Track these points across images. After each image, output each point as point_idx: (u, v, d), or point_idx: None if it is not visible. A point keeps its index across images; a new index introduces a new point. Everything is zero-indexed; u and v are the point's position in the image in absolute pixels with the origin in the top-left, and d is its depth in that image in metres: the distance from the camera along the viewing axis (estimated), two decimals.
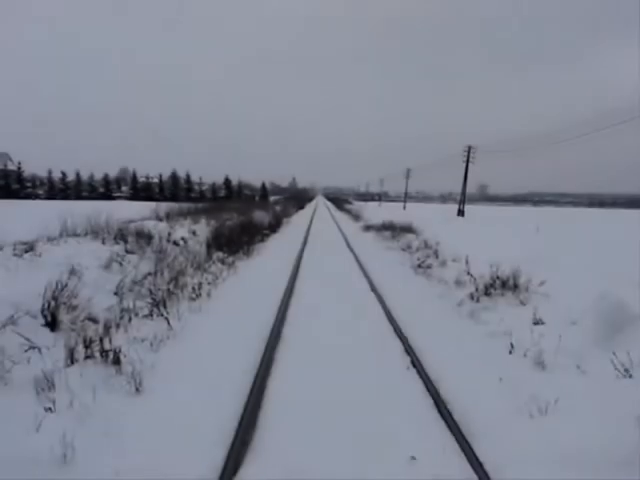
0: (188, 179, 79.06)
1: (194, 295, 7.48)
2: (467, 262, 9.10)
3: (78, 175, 74.99)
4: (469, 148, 46.73)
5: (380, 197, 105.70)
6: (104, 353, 4.53)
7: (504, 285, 7.49)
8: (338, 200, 79.03)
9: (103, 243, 8.49)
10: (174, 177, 78.43)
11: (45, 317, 4.98)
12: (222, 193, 75.93)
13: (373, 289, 8.80)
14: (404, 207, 66.50)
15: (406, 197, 77.78)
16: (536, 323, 5.87)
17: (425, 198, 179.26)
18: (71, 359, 4.39)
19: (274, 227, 20.79)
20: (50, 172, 71.08)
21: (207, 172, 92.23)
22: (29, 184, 68.73)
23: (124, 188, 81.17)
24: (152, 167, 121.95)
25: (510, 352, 5.20)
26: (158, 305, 6.42)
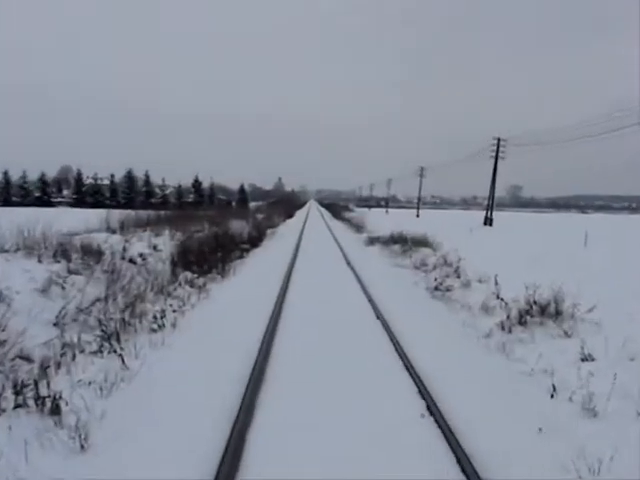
0: (147, 181, 79.29)
1: (156, 326, 7.46)
2: (496, 283, 9.13)
3: (6, 175, 74.77)
4: (498, 140, 47.28)
5: (387, 202, 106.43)
6: (40, 400, 4.47)
7: (543, 311, 7.52)
8: (335, 207, 79.20)
9: (39, 261, 8.45)
10: (130, 178, 78.62)
11: None
12: (190, 198, 76.07)
13: (379, 316, 8.79)
14: (417, 214, 67.10)
15: (419, 202, 78.39)
16: (584, 359, 5.89)
17: (443, 203, 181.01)
18: None
19: (255, 240, 20.84)
20: None
21: (172, 172, 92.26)
22: None
23: (66, 192, 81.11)
24: (102, 166, 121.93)
25: (552, 395, 5.20)
26: (110, 338, 6.38)
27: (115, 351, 6.08)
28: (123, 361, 5.82)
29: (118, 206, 57.93)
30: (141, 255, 12.05)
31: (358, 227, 33.37)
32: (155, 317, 7.74)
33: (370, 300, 10.23)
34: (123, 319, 7.28)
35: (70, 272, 8.41)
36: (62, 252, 9.12)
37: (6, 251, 8.83)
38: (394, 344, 7.18)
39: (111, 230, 15.41)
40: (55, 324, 6.45)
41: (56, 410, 4.42)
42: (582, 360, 5.88)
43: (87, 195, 76.35)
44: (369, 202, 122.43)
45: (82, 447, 4.05)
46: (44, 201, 71.82)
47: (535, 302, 7.72)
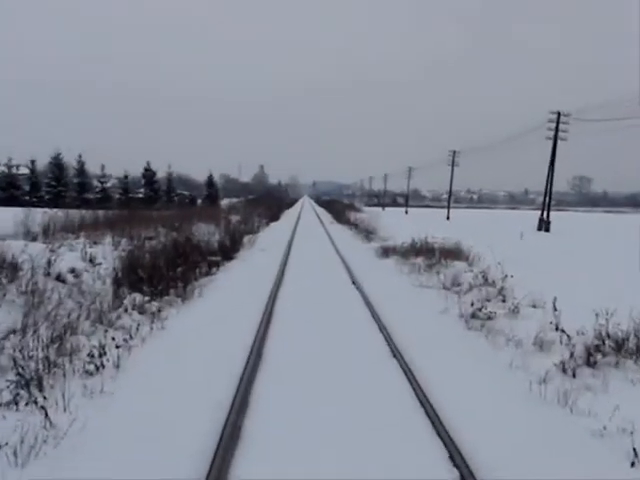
0: (81, 169, 79.03)
1: (92, 367, 7.42)
2: (555, 309, 9.14)
3: None
4: (558, 115, 47.38)
5: (407, 200, 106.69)
6: None
7: (620, 348, 7.52)
8: (337, 205, 79.17)
9: None
10: (57, 165, 78.28)
11: None
12: (140, 193, 76.10)
13: (395, 355, 8.78)
14: (447, 216, 67.37)
15: (450, 199, 78.68)
16: None
17: (483, 201, 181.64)
18: None
19: (228, 251, 20.86)
20: None
21: (115, 159, 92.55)
22: None
23: None
24: (19, 148, 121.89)
25: (632, 464, 5.19)
26: (28, 384, 6.34)
27: (36, 402, 6.03)
28: (47, 415, 5.76)
29: (42, 203, 57.87)
30: (73, 271, 12.02)
31: (367, 233, 33.43)
32: (92, 355, 7.67)
33: (383, 332, 10.21)
34: (47, 358, 7.23)
35: None
36: None
37: None
38: (416, 393, 7.18)
39: (31, 236, 15.38)
40: None
41: None
42: None
43: None
44: (382, 199, 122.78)
45: None
46: None
47: (608, 335, 7.71)
